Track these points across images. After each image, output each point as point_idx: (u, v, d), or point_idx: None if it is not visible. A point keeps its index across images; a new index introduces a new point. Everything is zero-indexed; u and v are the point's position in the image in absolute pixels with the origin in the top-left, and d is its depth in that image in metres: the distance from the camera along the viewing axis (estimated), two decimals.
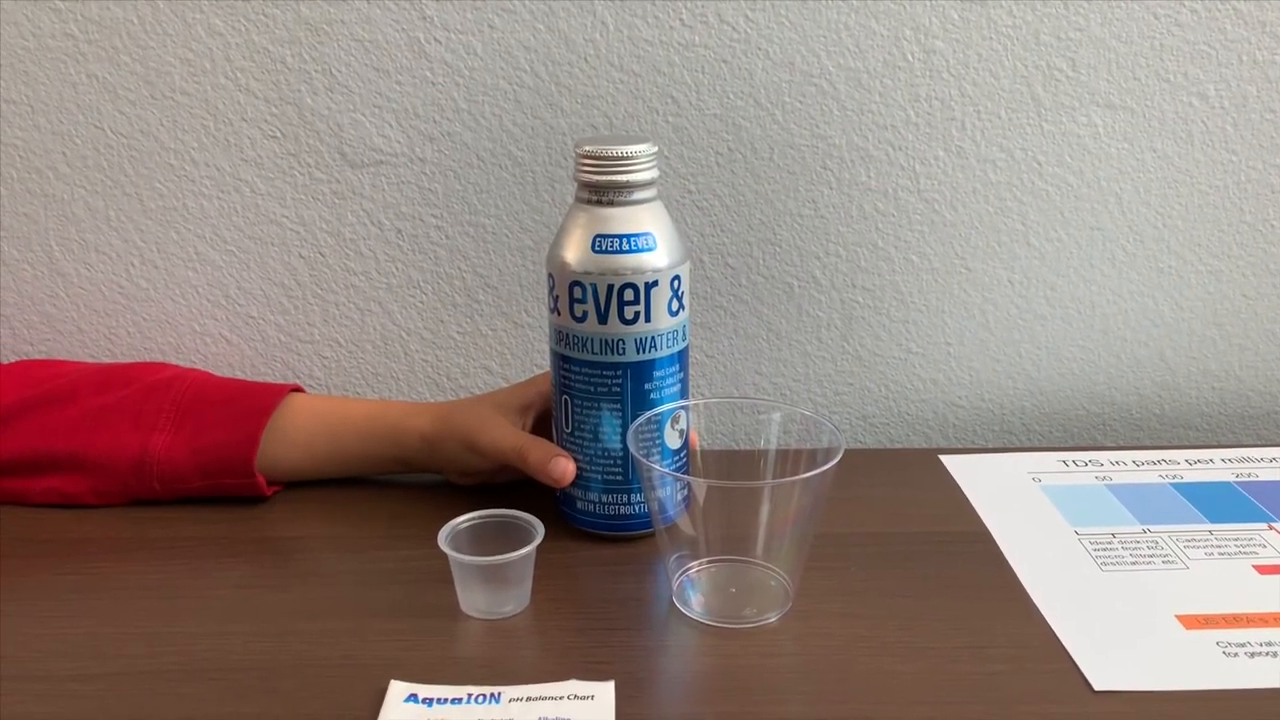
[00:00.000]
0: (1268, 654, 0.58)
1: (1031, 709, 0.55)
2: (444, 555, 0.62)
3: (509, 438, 0.71)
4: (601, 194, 0.66)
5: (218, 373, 0.88)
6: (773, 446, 0.67)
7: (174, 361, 0.88)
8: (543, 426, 0.74)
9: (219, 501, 0.75)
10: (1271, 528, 0.72)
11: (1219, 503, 0.75)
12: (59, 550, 0.70)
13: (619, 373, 0.67)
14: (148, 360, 0.88)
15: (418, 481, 0.78)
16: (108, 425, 0.74)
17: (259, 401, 0.75)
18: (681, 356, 0.69)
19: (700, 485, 0.61)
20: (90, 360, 0.88)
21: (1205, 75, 0.83)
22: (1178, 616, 0.62)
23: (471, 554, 0.62)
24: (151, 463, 0.73)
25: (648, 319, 0.66)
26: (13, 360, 0.88)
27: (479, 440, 0.72)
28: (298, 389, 0.78)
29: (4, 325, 0.88)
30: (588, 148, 0.65)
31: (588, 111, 0.83)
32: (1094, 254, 0.87)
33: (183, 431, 0.74)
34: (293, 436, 0.75)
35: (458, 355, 0.89)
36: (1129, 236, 0.87)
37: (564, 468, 0.69)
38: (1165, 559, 0.68)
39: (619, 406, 0.68)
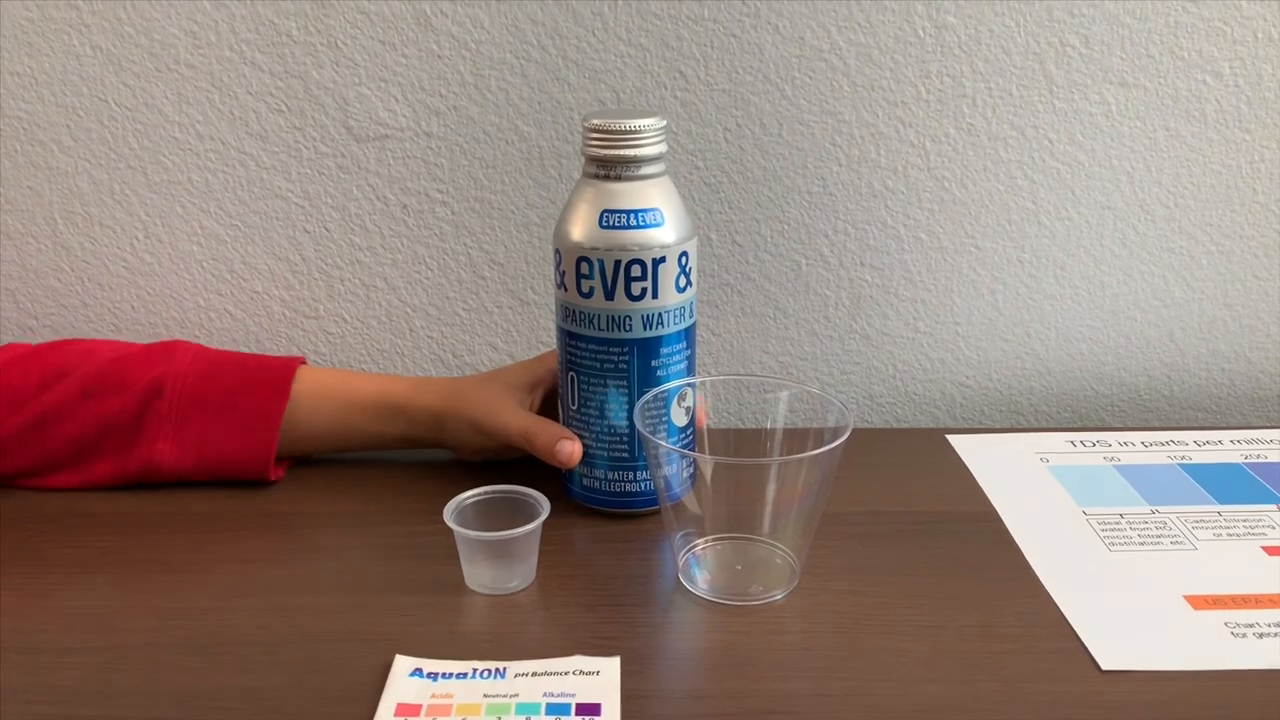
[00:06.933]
0: (1276, 635, 0.58)
1: (1039, 688, 0.55)
2: (450, 531, 0.62)
3: (515, 420, 0.71)
4: (609, 168, 0.65)
5: (222, 348, 0.88)
6: (779, 425, 0.67)
7: (179, 337, 0.88)
8: (551, 403, 0.74)
9: None
10: None
11: (1228, 484, 0.75)
12: (63, 524, 0.70)
13: (626, 349, 0.67)
14: (146, 341, 0.87)
15: (424, 457, 0.78)
16: (106, 449, 0.72)
17: (265, 400, 0.73)
18: (689, 333, 0.69)
19: (707, 462, 0.61)
20: (93, 335, 0.88)
21: (1220, 53, 0.82)
22: (1186, 597, 0.62)
23: (477, 529, 0.62)
24: (157, 471, 0.73)
25: (655, 295, 0.66)
26: (14, 335, 0.88)
27: (486, 422, 0.71)
28: (300, 361, 0.77)
29: (8, 299, 0.88)
30: (595, 121, 0.65)
31: (595, 86, 0.82)
32: (1104, 233, 0.86)
33: (186, 439, 0.72)
34: (299, 417, 0.74)
35: (463, 332, 0.89)
36: (1140, 216, 0.86)
37: (570, 450, 0.68)
38: (1173, 539, 0.68)
39: (625, 383, 0.67)
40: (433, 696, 0.53)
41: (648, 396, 0.66)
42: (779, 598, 0.62)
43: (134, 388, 0.72)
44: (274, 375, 0.74)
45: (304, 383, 0.75)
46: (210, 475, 0.73)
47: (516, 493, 0.65)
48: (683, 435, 0.68)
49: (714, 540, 0.65)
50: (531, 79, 0.82)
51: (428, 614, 0.61)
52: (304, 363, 0.77)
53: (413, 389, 0.75)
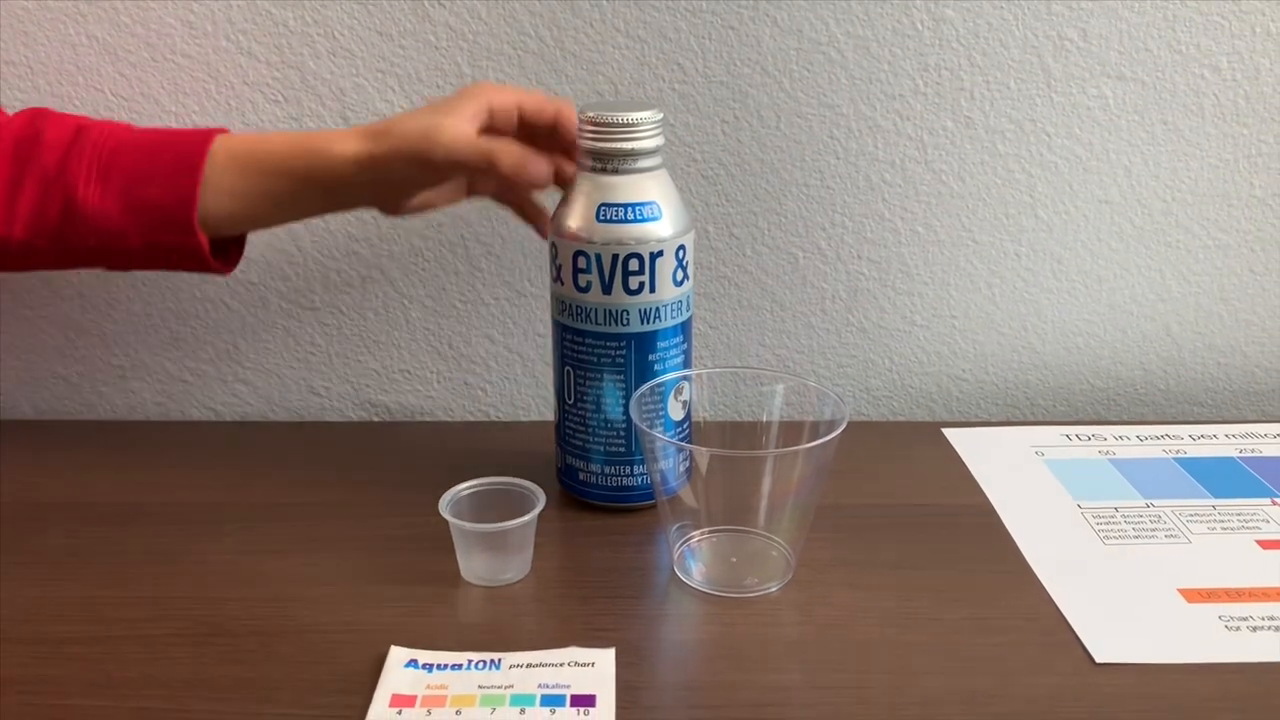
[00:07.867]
0: (1270, 628, 0.58)
1: (1033, 680, 0.55)
2: (445, 522, 0.62)
3: (472, 140, 0.64)
4: (606, 161, 0.65)
5: (223, 341, 0.88)
6: (775, 418, 0.67)
7: (179, 328, 0.88)
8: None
9: (218, 466, 0.75)
10: (1275, 503, 0.71)
11: (1222, 478, 0.75)
12: (56, 514, 0.70)
13: (622, 343, 0.67)
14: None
15: (420, 447, 0.78)
16: (25, 195, 0.66)
17: (186, 152, 0.67)
18: (685, 327, 0.69)
19: (703, 455, 0.61)
20: None
21: (1218, 47, 0.82)
22: (1180, 590, 0.62)
23: (473, 521, 0.62)
24: (81, 216, 0.66)
25: (652, 289, 0.66)
26: None
27: (434, 148, 0.64)
28: (223, 131, 0.70)
29: (8, 292, 0.88)
30: (592, 114, 0.65)
31: (592, 78, 0.82)
32: (1101, 227, 0.86)
33: (111, 184, 0.66)
34: (215, 183, 0.67)
35: (459, 324, 0.89)
36: (1137, 210, 0.86)
37: (543, 169, 0.65)
38: (1168, 533, 0.68)
39: (622, 377, 0.67)
40: (427, 687, 0.53)
41: (644, 390, 0.66)
42: (774, 590, 0.62)
43: (47, 140, 0.67)
44: (192, 135, 0.69)
45: (218, 150, 0.68)
46: (136, 225, 0.67)
47: (512, 485, 0.65)
48: (679, 428, 0.68)
49: (709, 533, 0.65)
50: (529, 71, 0.82)
51: (423, 605, 0.61)
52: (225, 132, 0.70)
53: (328, 137, 0.68)
